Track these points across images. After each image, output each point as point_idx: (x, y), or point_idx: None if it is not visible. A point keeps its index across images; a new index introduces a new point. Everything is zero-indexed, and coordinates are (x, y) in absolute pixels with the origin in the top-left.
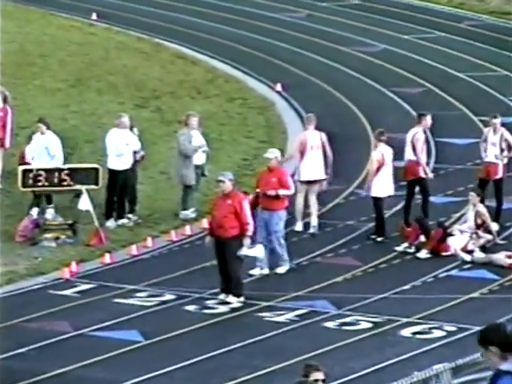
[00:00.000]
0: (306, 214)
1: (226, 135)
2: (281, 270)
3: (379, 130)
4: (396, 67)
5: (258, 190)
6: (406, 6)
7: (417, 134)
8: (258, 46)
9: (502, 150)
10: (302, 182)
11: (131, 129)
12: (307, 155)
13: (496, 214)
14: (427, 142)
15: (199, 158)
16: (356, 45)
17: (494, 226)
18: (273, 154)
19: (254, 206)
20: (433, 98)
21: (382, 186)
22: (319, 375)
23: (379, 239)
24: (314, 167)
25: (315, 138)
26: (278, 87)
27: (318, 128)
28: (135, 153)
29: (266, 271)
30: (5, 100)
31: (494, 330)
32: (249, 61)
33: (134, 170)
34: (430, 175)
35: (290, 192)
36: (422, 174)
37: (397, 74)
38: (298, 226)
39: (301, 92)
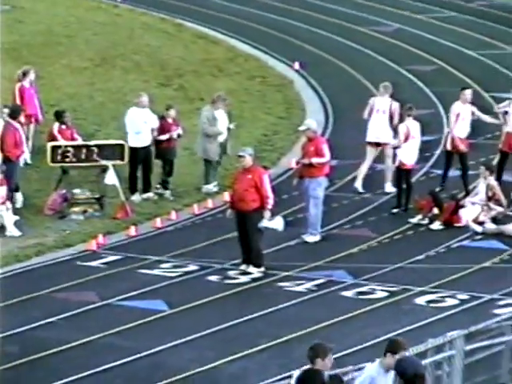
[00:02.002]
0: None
1: (247, 112)
2: (310, 238)
3: (408, 105)
4: (409, 46)
5: (296, 160)
6: None
7: (453, 107)
8: (276, 25)
9: None
10: (370, 144)
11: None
12: (373, 118)
13: None
14: (471, 115)
15: (222, 136)
16: (371, 24)
17: None
18: (306, 125)
19: (300, 174)
20: (445, 76)
21: (408, 156)
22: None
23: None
24: (378, 130)
25: (385, 104)
26: (296, 66)
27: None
28: (153, 130)
29: (318, 237)
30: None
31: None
32: (268, 40)
33: (172, 148)
34: (448, 146)
35: (324, 159)
36: (450, 146)
37: (410, 52)
38: (358, 185)
39: (318, 70)
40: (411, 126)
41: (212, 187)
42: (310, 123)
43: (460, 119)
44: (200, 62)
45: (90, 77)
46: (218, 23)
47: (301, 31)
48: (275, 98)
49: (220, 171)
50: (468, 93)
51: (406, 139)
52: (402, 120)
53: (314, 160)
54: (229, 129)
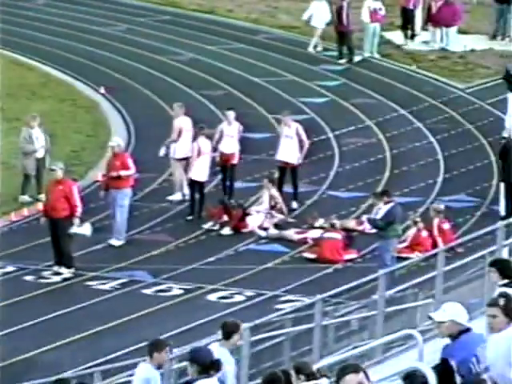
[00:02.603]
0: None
1: (59, 131)
2: (115, 242)
3: (200, 125)
4: (202, 73)
5: (103, 174)
6: (210, 21)
7: (220, 126)
8: (85, 54)
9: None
10: (177, 160)
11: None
12: (182, 137)
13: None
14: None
15: (40, 152)
16: (169, 54)
17: (294, 205)
18: (115, 142)
19: (106, 186)
20: (234, 99)
21: (201, 170)
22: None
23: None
24: (186, 147)
25: (187, 123)
26: (102, 90)
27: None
28: None
29: (123, 241)
30: None
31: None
32: (77, 67)
33: None
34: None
35: (131, 172)
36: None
37: (203, 79)
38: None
39: (122, 94)
40: (202, 143)
41: (27, 197)
42: (119, 140)
43: (228, 136)
44: (17, 86)
45: None
46: (33, 51)
47: (107, 60)
48: (84, 119)
49: (37, 183)
50: (230, 113)
51: (199, 155)
52: (195, 138)
53: (123, 173)
54: (44, 147)
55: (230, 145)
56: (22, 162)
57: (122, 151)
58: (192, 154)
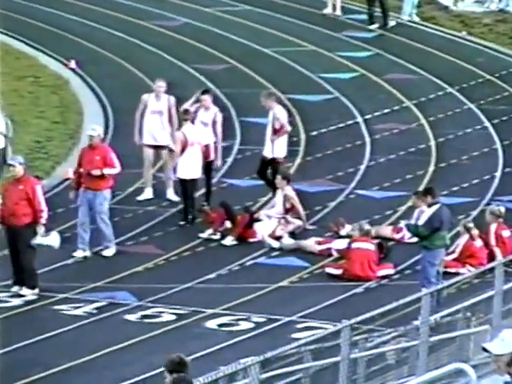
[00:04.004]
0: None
1: (17, 116)
2: (108, 252)
3: (184, 108)
4: (197, 42)
5: (80, 170)
6: None
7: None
8: (48, 19)
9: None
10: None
11: None
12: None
13: None
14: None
15: (0, 142)
16: (155, 19)
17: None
18: (95, 131)
19: (77, 185)
20: (237, 75)
21: (189, 167)
22: None
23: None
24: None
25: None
26: (72, 64)
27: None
28: None
29: (88, 253)
30: None
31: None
32: (40, 36)
33: None
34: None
35: (116, 170)
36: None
37: (198, 49)
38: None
39: (97, 69)
40: (187, 132)
41: None
42: (99, 129)
43: (202, 124)
44: None
45: None
46: None
47: (77, 26)
48: (49, 101)
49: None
50: (206, 98)
51: (184, 149)
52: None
53: (107, 171)
54: (6, 136)
55: (205, 135)
56: None
57: (102, 143)
58: (175, 146)
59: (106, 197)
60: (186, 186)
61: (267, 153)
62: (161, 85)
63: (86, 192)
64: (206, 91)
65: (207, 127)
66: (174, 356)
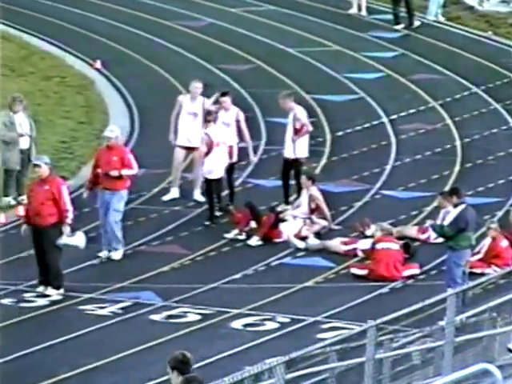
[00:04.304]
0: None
1: (42, 116)
2: (116, 255)
3: (207, 109)
4: (222, 42)
5: (98, 170)
6: None
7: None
8: (75, 20)
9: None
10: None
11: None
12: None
13: None
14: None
15: (25, 142)
16: (180, 19)
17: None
18: (113, 132)
19: (93, 185)
20: (262, 75)
21: (215, 167)
22: None
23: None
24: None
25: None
26: (98, 64)
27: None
28: None
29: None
30: None
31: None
32: (66, 36)
33: None
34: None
35: (134, 171)
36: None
37: (223, 49)
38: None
39: (122, 70)
40: (213, 132)
41: (11, 200)
42: (116, 130)
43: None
44: None
45: None
46: (10, 17)
47: (102, 26)
48: (74, 101)
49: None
50: (225, 100)
51: (210, 148)
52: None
53: (125, 172)
54: (30, 136)
55: (228, 136)
56: (1, 155)
57: (120, 144)
58: (201, 146)
59: (124, 196)
60: (211, 186)
61: (288, 153)
62: (197, 86)
63: (103, 193)
64: (224, 93)
65: (229, 127)
66: (177, 353)
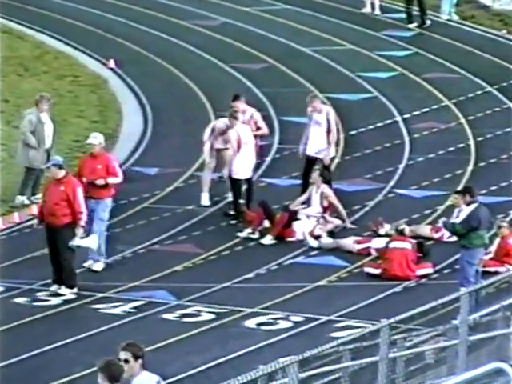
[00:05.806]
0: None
1: (56, 115)
2: (97, 266)
3: (233, 109)
4: (236, 42)
5: (84, 179)
6: None
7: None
8: (89, 19)
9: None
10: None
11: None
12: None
13: None
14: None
15: (48, 142)
16: (194, 18)
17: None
18: (96, 139)
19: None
20: (276, 75)
21: (244, 166)
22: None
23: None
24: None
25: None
26: (112, 64)
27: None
28: None
29: (104, 262)
30: None
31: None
32: (80, 36)
33: None
34: None
35: (119, 179)
36: None
37: (238, 48)
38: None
39: (136, 69)
40: (241, 131)
41: (26, 199)
42: (100, 137)
43: None
44: (4, 60)
45: None
46: (24, 16)
47: (116, 25)
48: (88, 100)
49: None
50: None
51: (239, 147)
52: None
53: (111, 180)
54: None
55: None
56: (24, 153)
57: (104, 152)
58: (231, 146)
59: (108, 205)
60: (238, 185)
61: (312, 152)
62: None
63: (88, 201)
64: (236, 97)
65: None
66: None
